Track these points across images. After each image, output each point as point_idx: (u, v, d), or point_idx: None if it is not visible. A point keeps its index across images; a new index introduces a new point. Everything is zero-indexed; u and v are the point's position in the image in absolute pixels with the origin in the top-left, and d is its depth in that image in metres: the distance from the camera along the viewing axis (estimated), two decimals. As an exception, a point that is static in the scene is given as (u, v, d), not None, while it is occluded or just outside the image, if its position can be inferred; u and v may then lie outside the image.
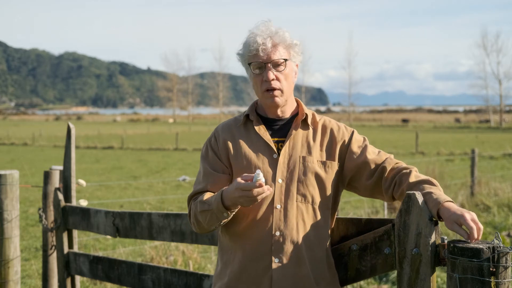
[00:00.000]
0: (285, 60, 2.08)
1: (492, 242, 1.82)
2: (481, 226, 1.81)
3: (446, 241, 1.96)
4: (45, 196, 3.96)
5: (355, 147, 2.17)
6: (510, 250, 1.77)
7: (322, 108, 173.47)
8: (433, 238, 1.97)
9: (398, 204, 8.99)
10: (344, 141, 2.17)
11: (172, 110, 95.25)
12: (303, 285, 2.06)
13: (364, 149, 2.18)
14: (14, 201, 3.85)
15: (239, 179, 1.91)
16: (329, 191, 2.13)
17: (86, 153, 26.32)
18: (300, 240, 2.06)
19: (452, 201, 1.93)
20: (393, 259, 2.14)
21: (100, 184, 13.96)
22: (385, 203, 8.21)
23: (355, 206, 10.14)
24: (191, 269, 5.05)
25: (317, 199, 2.09)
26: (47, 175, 3.99)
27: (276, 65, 2.07)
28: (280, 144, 2.13)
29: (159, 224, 3.10)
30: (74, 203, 3.79)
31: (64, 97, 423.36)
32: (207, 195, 2.07)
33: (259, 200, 1.92)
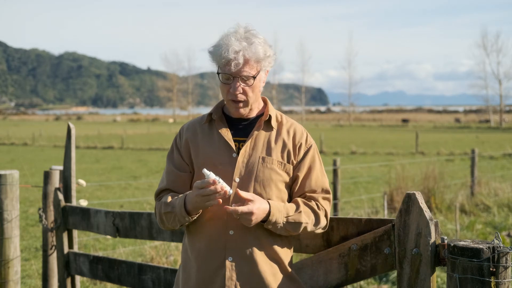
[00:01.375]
0: (254, 77, 2.07)
1: (492, 242, 1.83)
2: (231, 209, 1.96)
3: (446, 241, 1.96)
4: (45, 196, 3.96)
5: (305, 165, 2.17)
6: (510, 250, 1.77)
7: (322, 108, 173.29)
8: (433, 238, 1.98)
9: (398, 204, 8.98)
10: (300, 149, 2.17)
11: (172, 110, 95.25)
12: (256, 284, 2.06)
13: (309, 172, 2.17)
14: (14, 201, 3.85)
15: (197, 182, 1.97)
16: (285, 193, 2.14)
17: (86, 153, 26.31)
18: (254, 240, 2.07)
19: (272, 209, 2.03)
20: (393, 259, 2.14)
21: (100, 184, 13.96)
22: (385, 203, 8.20)
23: (355, 206, 10.13)
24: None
25: (273, 200, 2.09)
26: (47, 175, 3.99)
27: (244, 79, 2.07)
28: (241, 144, 2.14)
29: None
30: (74, 203, 3.79)
31: (64, 97, 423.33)
32: (171, 197, 2.12)
33: (217, 199, 1.95)
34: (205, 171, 1.97)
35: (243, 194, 1.97)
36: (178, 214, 2.04)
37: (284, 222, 2.06)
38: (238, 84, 2.06)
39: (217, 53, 2.06)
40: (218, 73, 2.09)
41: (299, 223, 2.09)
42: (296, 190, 2.16)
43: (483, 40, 69.06)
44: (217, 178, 1.94)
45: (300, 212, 2.09)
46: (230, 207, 1.96)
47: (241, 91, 2.07)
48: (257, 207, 1.98)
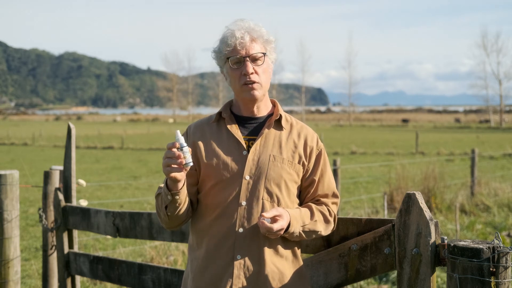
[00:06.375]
0: (264, 54, 2.09)
1: (492, 242, 1.83)
2: (269, 227, 1.95)
3: (446, 241, 1.96)
4: (45, 196, 3.96)
5: (319, 169, 2.18)
6: (510, 250, 1.77)
7: (322, 108, 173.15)
8: (433, 238, 1.98)
9: (398, 204, 8.98)
10: (312, 153, 2.17)
11: (172, 110, 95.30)
12: (264, 283, 2.05)
13: (322, 176, 2.18)
14: (14, 201, 3.85)
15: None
16: (295, 192, 2.14)
17: (86, 153, 26.29)
18: (262, 237, 2.05)
19: (291, 220, 2.03)
20: (393, 259, 2.14)
21: (100, 184, 13.96)
22: (385, 203, 8.21)
23: (355, 206, 10.14)
24: (191, 269, 5.05)
25: (283, 199, 2.09)
26: (47, 175, 3.99)
27: (254, 59, 2.07)
28: (251, 142, 2.13)
29: (159, 224, 3.10)
30: (74, 203, 3.79)
31: (64, 97, 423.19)
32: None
33: (178, 164, 1.88)
34: (177, 132, 1.92)
35: (268, 215, 1.96)
36: (163, 193, 2.01)
37: (300, 231, 2.08)
38: (249, 64, 2.06)
39: (224, 41, 2.07)
40: (228, 58, 2.08)
41: (314, 231, 2.12)
42: (310, 194, 2.17)
43: (483, 40, 69.12)
44: (183, 145, 1.89)
45: (316, 221, 2.11)
46: (265, 222, 1.94)
47: (254, 71, 2.07)
48: (286, 222, 2.00)
